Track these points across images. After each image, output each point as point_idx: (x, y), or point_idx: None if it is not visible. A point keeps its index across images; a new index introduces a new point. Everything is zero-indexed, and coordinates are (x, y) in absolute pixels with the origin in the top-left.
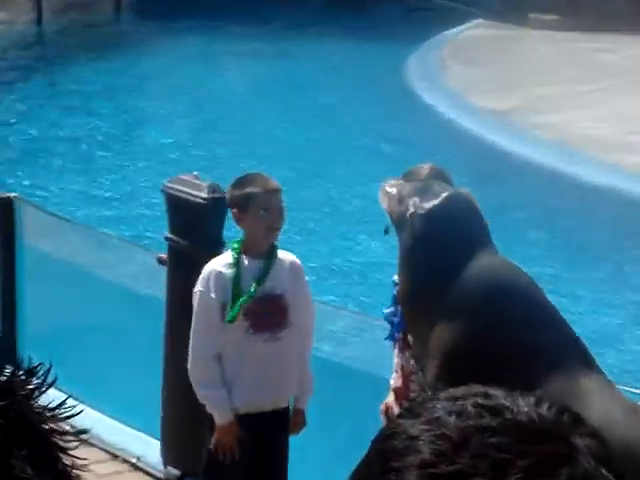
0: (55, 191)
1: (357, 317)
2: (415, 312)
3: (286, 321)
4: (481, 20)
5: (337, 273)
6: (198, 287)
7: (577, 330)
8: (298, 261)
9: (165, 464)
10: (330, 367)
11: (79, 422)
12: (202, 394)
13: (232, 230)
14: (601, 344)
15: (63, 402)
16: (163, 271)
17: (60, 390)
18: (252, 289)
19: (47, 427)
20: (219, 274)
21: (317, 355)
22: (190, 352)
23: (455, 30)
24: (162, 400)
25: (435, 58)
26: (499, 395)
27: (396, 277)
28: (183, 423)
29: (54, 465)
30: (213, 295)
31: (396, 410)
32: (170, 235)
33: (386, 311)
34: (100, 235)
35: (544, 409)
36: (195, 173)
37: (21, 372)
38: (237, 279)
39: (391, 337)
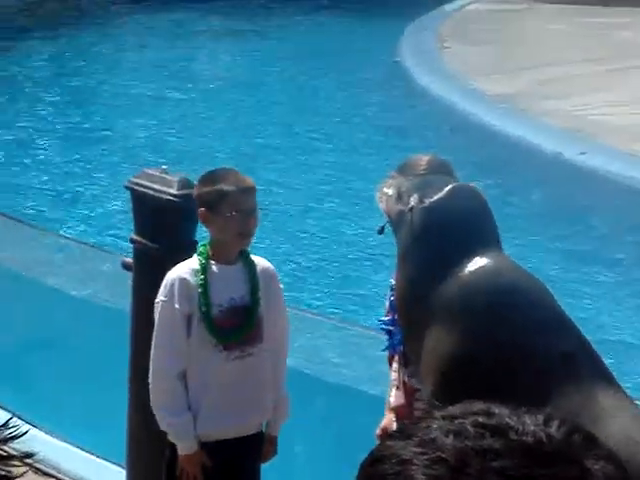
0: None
1: (340, 326)
2: (411, 316)
3: (259, 335)
4: None
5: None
6: (160, 297)
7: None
8: (272, 267)
9: None
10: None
11: (38, 452)
12: (165, 421)
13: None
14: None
15: (6, 423)
16: (128, 277)
17: (10, 412)
18: (252, 300)
19: None
20: (184, 282)
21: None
22: (151, 371)
23: (455, 4)
24: (128, 423)
25: (432, 36)
26: (502, 413)
27: (393, 281)
28: (152, 449)
29: None
30: (177, 305)
31: None
32: (136, 237)
33: (382, 319)
34: (57, 238)
35: (553, 428)
36: (163, 167)
37: None
38: (205, 289)
39: (391, 348)
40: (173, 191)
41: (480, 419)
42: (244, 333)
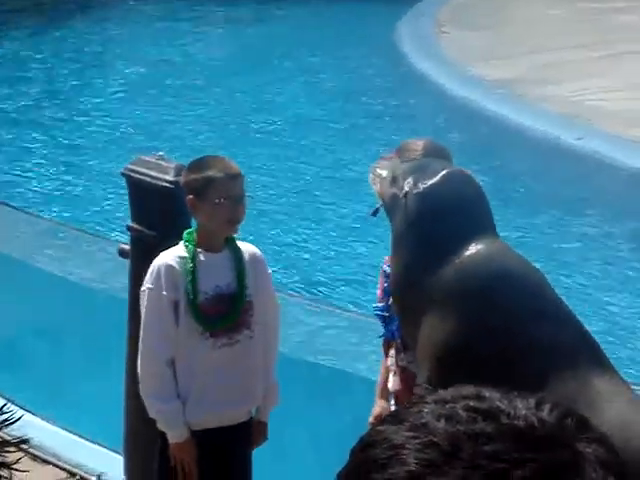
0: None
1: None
2: (406, 302)
3: (247, 322)
4: None
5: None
6: (146, 284)
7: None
8: (259, 252)
9: None
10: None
11: (35, 439)
12: (154, 408)
13: None
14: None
15: (0, 409)
16: (125, 264)
17: (8, 400)
18: (239, 286)
19: None
20: (170, 268)
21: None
22: (140, 358)
23: None
24: (125, 410)
25: (430, 21)
26: (494, 397)
27: (386, 268)
28: (148, 436)
29: None
30: (164, 292)
31: None
32: (133, 224)
33: (376, 305)
34: (54, 225)
35: (545, 412)
36: (160, 153)
37: None
38: (193, 276)
39: (389, 335)
40: (169, 177)
41: (471, 403)
42: (230, 320)
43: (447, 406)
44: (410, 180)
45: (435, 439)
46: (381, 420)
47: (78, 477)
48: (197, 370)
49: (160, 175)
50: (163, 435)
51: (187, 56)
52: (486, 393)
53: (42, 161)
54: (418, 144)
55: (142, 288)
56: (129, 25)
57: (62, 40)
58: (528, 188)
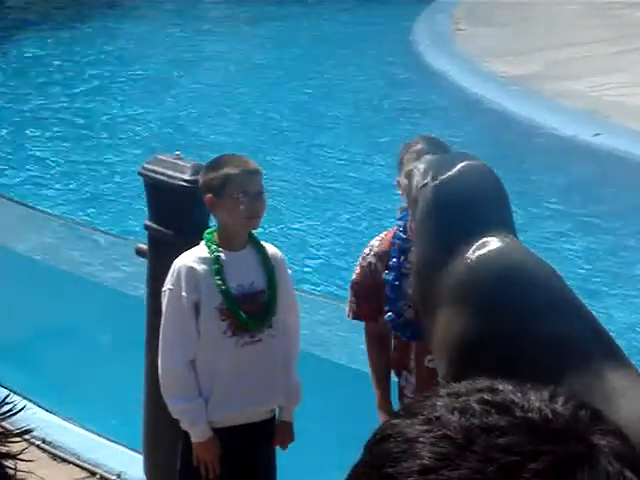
0: (17, 176)
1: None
2: (424, 294)
3: (269, 321)
4: None
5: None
6: (167, 285)
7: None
8: (280, 253)
9: None
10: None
11: (55, 438)
12: (177, 408)
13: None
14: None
15: (3, 400)
16: (143, 264)
17: (29, 400)
18: (272, 289)
19: None
20: (190, 269)
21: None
22: (160, 359)
23: None
24: (144, 410)
25: (446, 18)
26: (507, 390)
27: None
28: (168, 435)
29: None
30: (184, 294)
31: None
32: (150, 223)
33: (389, 314)
34: (71, 224)
35: (559, 405)
36: (177, 152)
37: None
38: (221, 276)
39: (410, 338)
40: (186, 177)
41: (485, 396)
42: (267, 320)
43: (461, 399)
44: (431, 172)
45: (449, 432)
46: (394, 414)
47: (98, 476)
48: (219, 369)
49: (177, 174)
50: (186, 435)
51: (206, 55)
52: (499, 386)
53: (61, 160)
54: (416, 145)
55: (163, 288)
56: (149, 24)
57: (81, 39)
58: (544, 184)
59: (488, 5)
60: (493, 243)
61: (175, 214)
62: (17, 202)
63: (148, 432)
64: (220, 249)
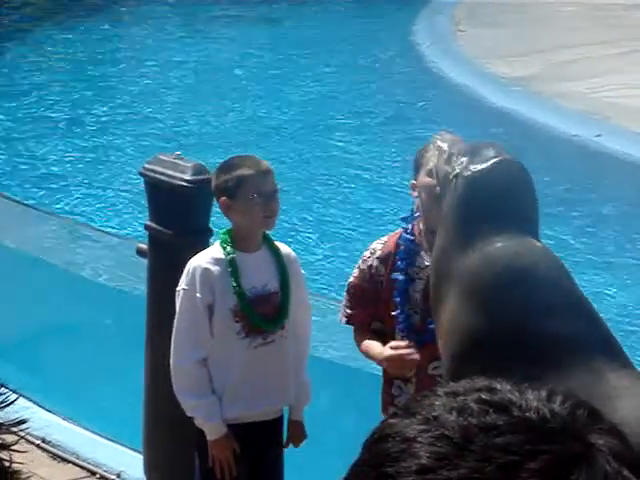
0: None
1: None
2: (439, 282)
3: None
4: None
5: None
6: (182, 285)
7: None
8: (293, 253)
9: None
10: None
11: (55, 438)
12: (189, 404)
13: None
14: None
15: None
16: (143, 264)
17: (29, 400)
18: (285, 291)
19: None
20: (205, 270)
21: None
22: (172, 358)
23: None
24: (144, 410)
25: (447, 19)
26: (505, 389)
27: (368, 253)
28: (168, 434)
29: None
30: (199, 295)
31: None
32: (150, 223)
33: (399, 321)
34: (72, 224)
35: (557, 404)
36: (177, 153)
37: None
38: (236, 277)
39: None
40: (187, 177)
41: (483, 395)
42: (281, 321)
43: (459, 399)
44: (463, 161)
45: (447, 432)
46: (392, 413)
47: (98, 476)
48: (232, 369)
49: (177, 174)
50: (201, 433)
51: (206, 56)
52: (497, 385)
53: (61, 160)
54: (437, 139)
55: (177, 288)
56: (150, 24)
57: (85, 40)
58: (545, 185)
59: (489, 6)
60: (513, 243)
61: (175, 214)
62: (17, 202)
63: (148, 432)
64: (235, 250)
